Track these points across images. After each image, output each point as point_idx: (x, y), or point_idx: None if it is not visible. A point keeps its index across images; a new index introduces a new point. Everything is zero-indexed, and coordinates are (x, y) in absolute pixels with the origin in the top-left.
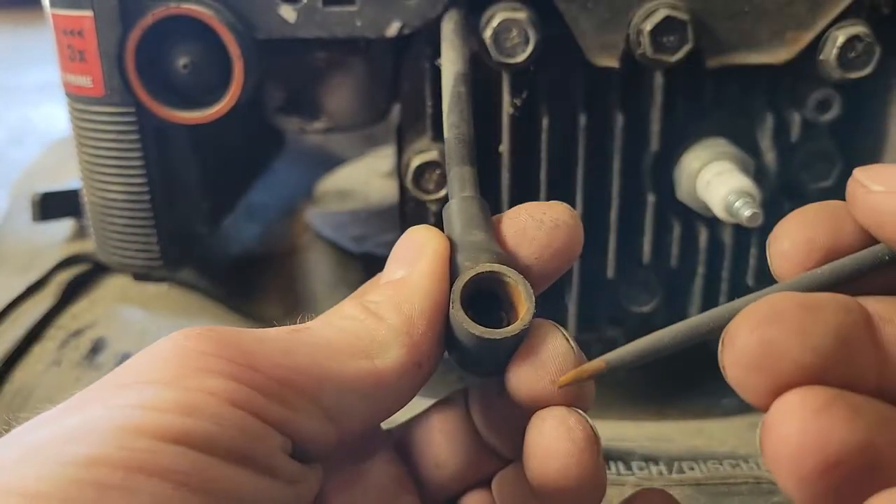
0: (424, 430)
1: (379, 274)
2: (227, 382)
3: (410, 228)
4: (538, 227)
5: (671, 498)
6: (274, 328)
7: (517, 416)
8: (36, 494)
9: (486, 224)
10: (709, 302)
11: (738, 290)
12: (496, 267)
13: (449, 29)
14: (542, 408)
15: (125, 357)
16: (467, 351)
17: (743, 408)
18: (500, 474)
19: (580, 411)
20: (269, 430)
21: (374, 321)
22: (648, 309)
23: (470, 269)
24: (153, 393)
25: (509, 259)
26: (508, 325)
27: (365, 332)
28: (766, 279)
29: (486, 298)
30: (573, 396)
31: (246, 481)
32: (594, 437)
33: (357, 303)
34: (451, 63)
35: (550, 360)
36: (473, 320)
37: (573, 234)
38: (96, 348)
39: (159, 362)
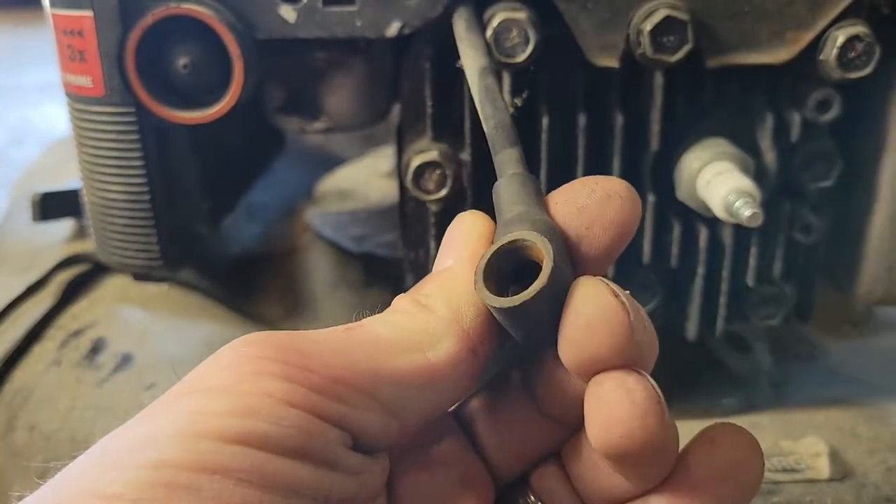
0: (483, 410)
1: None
2: (282, 384)
3: (459, 215)
4: (589, 195)
5: (744, 432)
6: (329, 328)
7: (576, 383)
8: (112, 496)
9: (530, 197)
10: (709, 301)
11: (738, 289)
12: (516, 235)
13: (462, 27)
14: (599, 372)
15: (125, 357)
16: (510, 325)
17: (743, 408)
18: (567, 445)
19: (640, 371)
20: (326, 426)
21: (424, 314)
22: (649, 308)
23: (494, 245)
24: (213, 398)
25: (549, 227)
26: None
27: (417, 326)
28: (766, 278)
29: (531, 270)
30: (630, 356)
31: (305, 475)
32: (657, 397)
33: (410, 297)
34: (472, 60)
35: (597, 319)
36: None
37: (628, 207)
38: (96, 348)
39: (218, 370)
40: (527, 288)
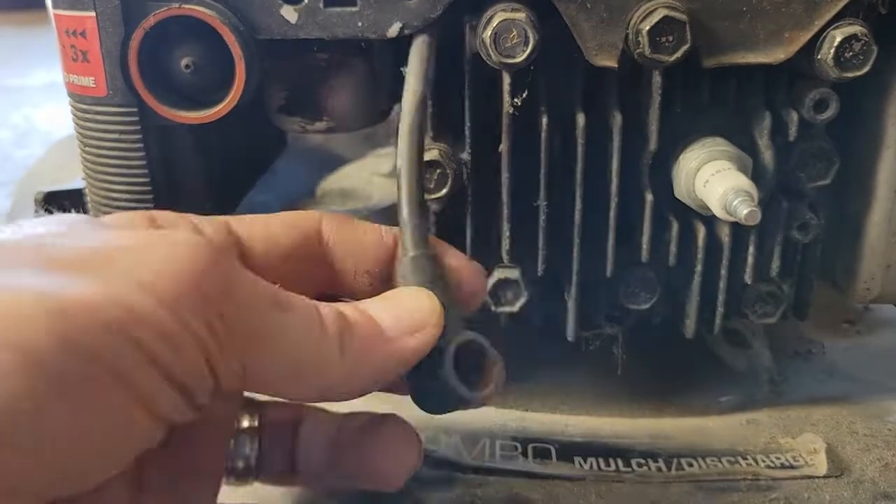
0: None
1: (367, 301)
2: (203, 328)
3: (423, 293)
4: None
5: None
6: (266, 285)
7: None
8: (38, 364)
9: (445, 284)
10: (707, 299)
11: (736, 287)
12: (481, 339)
13: (418, 50)
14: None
15: None
16: (442, 401)
17: (741, 405)
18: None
19: None
20: (210, 374)
21: (337, 350)
22: (647, 307)
23: (456, 338)
24: (155, 308)
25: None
26: (482, 385)
27: (322, 351)
28: (764, 276)
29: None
30: None
31: (178, 407)
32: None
33: (340, 321)
34: (414, 80)
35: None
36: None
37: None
38: None
39: (170, 274)
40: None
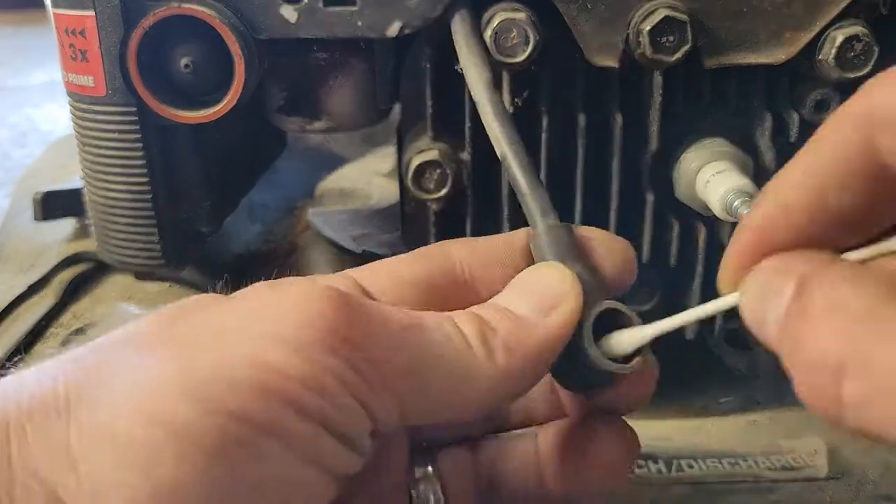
0: None
1: (498, 295)
2: (344, 365)
3: (551, 265)
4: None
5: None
6: (395, 310)
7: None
8: (188, 436)
9: (580, 253)
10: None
11: None
12: (609, 304)
13: (461, 33)
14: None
15: None
16: (587, 378)
17: (741, 406)
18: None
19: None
20: (365, 415)
21: (484, 355)
22: (648, 307)
23: (594, 309)
24: (287, 358)
25: (608, 286)
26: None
27: (469, 361)
28: None
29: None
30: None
31: (344, 456)
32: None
33: (477, 324)
34: (475, 70)
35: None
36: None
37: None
38: None
39: (294, 321)
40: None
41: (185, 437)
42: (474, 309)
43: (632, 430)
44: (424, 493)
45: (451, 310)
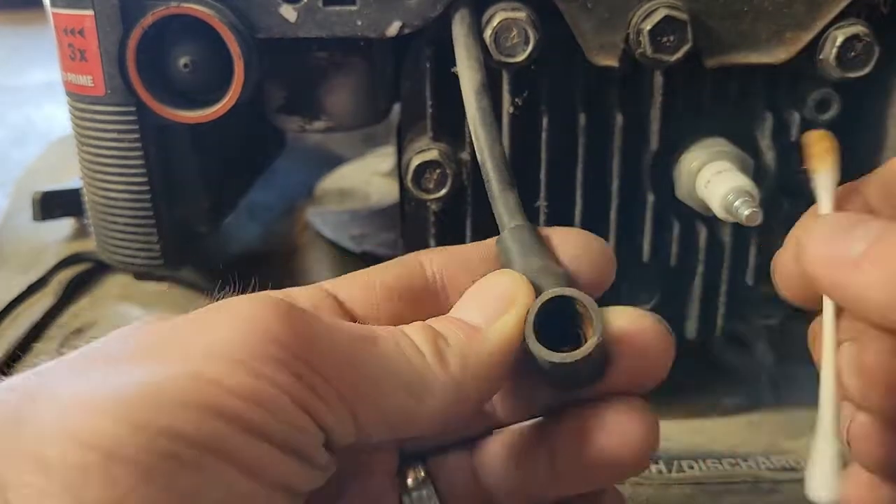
0: None
1: (455, 305)
2: (290, 378)
3: (503, 272)
4: (583, 244)
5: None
6: (344, 325)
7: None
8: (124, 458)
9: (543, 249)
10: (708, 300)
11: (738, 288)
12: (558, 291)
13: (462, 32)
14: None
15: None
16: (554, 378)
17: (742, 407)
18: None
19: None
20: (317, 428)
21: (438, 366)
22: (648, 307)
23: (539, 298)
24: (228, 372)
25: (572, 278)
26: (584, 343)
27: (423, 372)
28: (764, 278)
29: (554, 317)
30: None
31: (296, 470)
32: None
33: (430, 335)
34: (469, 70)
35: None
36: (545, 345)
37: (606, 252)
38: None
39: (237, 338)
40: (560, 333)
41: (113, 456)
42: (429, 321)
43: (645, 404)
44: (417, 500)
45: (425, 318)
